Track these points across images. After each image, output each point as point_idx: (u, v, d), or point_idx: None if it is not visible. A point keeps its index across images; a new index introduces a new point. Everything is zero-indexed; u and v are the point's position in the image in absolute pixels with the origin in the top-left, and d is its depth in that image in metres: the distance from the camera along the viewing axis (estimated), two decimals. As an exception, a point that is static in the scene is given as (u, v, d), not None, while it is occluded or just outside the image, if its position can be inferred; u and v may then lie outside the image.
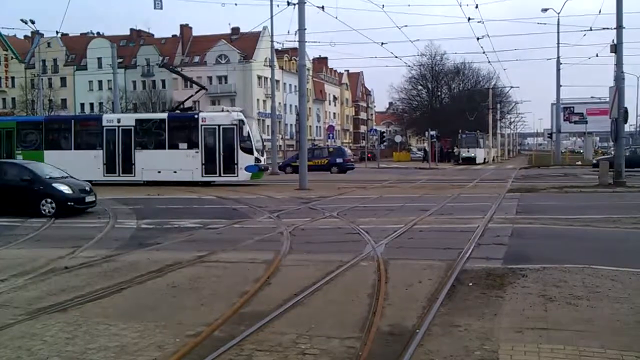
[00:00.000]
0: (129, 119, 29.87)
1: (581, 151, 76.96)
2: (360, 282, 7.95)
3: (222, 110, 28.78)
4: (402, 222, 13.89)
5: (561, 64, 43.93)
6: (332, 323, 6.18)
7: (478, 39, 32.40)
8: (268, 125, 66.09)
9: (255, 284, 7.84)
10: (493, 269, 8.48)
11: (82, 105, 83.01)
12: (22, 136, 29.82)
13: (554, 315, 6.28)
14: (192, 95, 33.10)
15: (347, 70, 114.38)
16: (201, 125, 27.39)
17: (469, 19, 29.66)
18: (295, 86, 72.24)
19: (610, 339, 5.51)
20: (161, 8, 35.19)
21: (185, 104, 33.21)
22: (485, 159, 62.36)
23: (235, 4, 68.96)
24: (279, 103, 67.04)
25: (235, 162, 27.05)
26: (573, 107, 69.70)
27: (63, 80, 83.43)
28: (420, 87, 77.88)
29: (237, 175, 27.11)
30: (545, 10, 42.64)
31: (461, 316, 6.27)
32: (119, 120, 29.05)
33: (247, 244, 11.59)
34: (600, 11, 53.56)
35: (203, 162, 27.39)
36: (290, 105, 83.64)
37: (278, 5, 37.92)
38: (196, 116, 28.10)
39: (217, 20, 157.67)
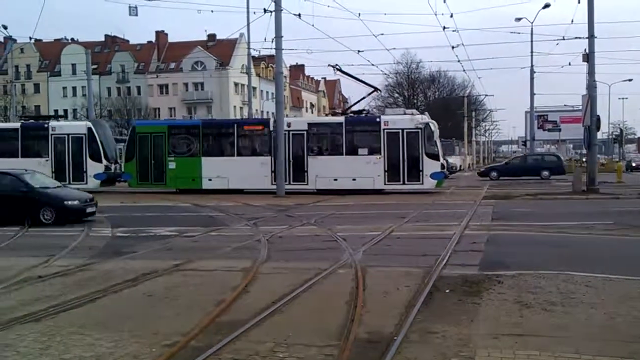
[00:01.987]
0: (300, 123, 27.91)
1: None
2: (338, 290, 7.95)
3: (404, 113, 26.87)
4: (380, 229, 13.93)
5: (535, 72, 44.53)
6: (310, 331, 6.17)
7: (453, 47, 32.66)
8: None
9: (233, 293, 7.79)
10: (469, 276, 8.54)
11: (56, 111, 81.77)
12: (174, 141, 27.82)
13: (530, 321, 6.34)
14: (364, 97, 31.15)
15: (324, 78, 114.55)
16: (383, 129, 25.45)
17: (444, 27, 29.91)
18: (272, 93, 72.20)
19: (584, 344, 5.58)
20: (136, 15, 34.88)
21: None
22: (460, 166, 62.87)
23: (212, 11, 69.10)
24: (256, 110, 66.89)
25: (420, 168, 25.16)
26: (547, 115, 70.65)
27: (36, 86, 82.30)
28: (396, 95, 78.32)
29: (422, 183, 25.17)
30: (519, 19, 43.23)
31: (438, 323, 6.30)
32: (288, 125, 26.59)
33: (224, 252, 11.52)
34: (572, 21, 54.34)
35: (386, 169, 25.48)
36: (267, 112, 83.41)
37: (255, 12, 37.79)
38: (378, 119, 26.48)
39: (193, 26, 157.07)
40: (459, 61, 51.69)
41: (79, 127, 29.25)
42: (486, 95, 66.81)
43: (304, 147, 26.34)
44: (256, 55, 49.25)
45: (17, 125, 30.52)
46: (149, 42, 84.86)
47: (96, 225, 15.99)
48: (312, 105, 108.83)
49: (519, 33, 42.26)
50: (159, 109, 79.43)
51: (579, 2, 26.25)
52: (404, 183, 25.45)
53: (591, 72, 25.04)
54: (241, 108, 78.63)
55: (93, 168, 27.86)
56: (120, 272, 9.45)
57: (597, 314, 6.59)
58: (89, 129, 28.28)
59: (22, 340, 5.97)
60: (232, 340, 5.83)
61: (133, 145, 28.18)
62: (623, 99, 78.80)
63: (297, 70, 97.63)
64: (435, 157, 25.20)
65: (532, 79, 44.63)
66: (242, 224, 16.03)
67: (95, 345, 5.81)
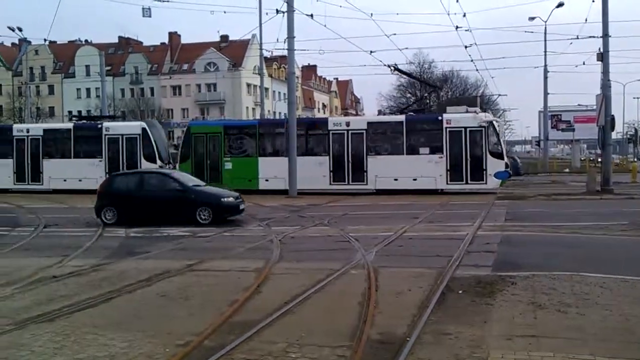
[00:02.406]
0: (359, 122, 27.41)
1: (569, 158, 77.37)
2: (351, 291, 7.94)
3: (467, 112, 26.14)
4: (392, 229, 13.90)
5: (548, 72, 44.31)
6: (322, 332, 6.17)
7: (466, 47, 32.41)
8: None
9: (245, 293, 7.81)
10: (483, 277, 8.50)
11: (70, 113, 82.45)
12: (230, 141, 27.52)
13: (544, 322, 6.30)
14: (424, 96, 29.17)
15: (336, 78, 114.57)
16: (445, 127, 24.92)
17: (457, 27, 29.69)
18: (284, 94, 72.26)
19: (599, 345, 5.54)
20: (150, 16, 35.10)
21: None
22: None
23: (224, 12, 69.46)
24: (268, 111, 66.91)
25: (484, 167, 24.59)
26: (560, 115, 70.02)
27: (51, 88, 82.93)
28: (408, 95, 78.11)
29: (486, 183, 24.59)
30: (532, 18, 43.00)
31: (451, 324, 6.28)
32: (347, 124, 26.48)
33: (237, 253, 11.56)
34: (586, 20, 54.05)
35: (448, 168, 24.95)
36: (280, 113, 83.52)
37: (267, 13, 37.97)
38: (439, 118, 25.71)
39: (206, 28, 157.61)
40: (471, 61, 51.33)
41: (134, 127, 29.14)
42: (499, 94, 66.16)
43: (363, 147, 25.85)
44: (268, 56, 49.46)
45: (70, 125, 30.38)
46: (162, 43, 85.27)
47: (109, 226, 16.05)
48: (324, 106, 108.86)
49: (532, 32, 42.22)
50: (172, 109, 79.83)
51: (593, 1, 26.07)
52: (466, 183, 24.94)
53: (605, 72, 24.83)
54: (253, 109, 78.79)
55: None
56: (134, 272, 9.51)
57: (611, 315, 6.53)
58: (144, 129, 28.15)
59: (37, 340, 6.02)
60: (245, 340, 5.85)
61: (188, 146, 27.85)
62: (638, 98, 78.10)
63: (309, 70, 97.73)
64: (499, 155, 24.80)
65: (545, 78, 44.41)
66: (254, 225, 16.05)
67: (109, 345, 5.84)
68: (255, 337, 5.98)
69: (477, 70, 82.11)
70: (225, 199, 16.51)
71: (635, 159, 58.66)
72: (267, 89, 66.36)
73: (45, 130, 30.37)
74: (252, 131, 27.67)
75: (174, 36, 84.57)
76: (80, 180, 27.79)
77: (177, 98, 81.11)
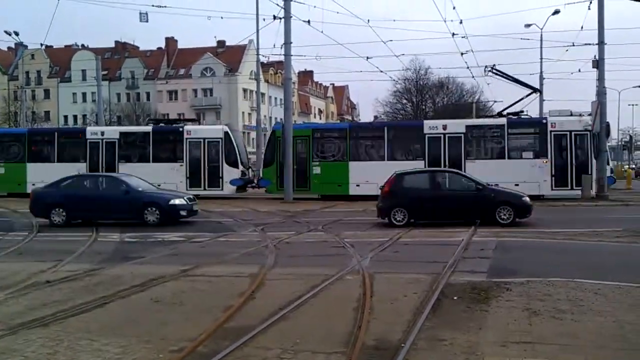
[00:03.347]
0: (457, 125, 26.28)
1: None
2: (346, 296, 7.92)
3: (571, 114, 25.17)
4: (387, 235, 13.91)
5: (544, 78, 44.34)
6: (317, 338, 6.15)
7: (462, 54, 32.55)
8: (253, 138, 66.11)
9: (240, 298, 7.79)
10: (478, 283, 8.50)
11: (66, 117, 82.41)
12: (319, 145, 26.87)
13: (539, 329, 6.29)
14: (522, 98, 28.62)
15: (333, 84, 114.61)
16: (550, 131, 24.42)
17: (454, 34, 29.80)
18: (280, 99, 72.31)
19: (594, 352, 5.54)
20: (147, 21, 35.05)
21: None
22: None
23: (222, 17, 69.63)
24: (265, 116, 67.04)
25: (589, 173, 24.06)
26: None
27: (47, 92, 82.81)
28: (405, 101, 78.17)
29: (591, 188, 23.81)
30: (528, 25, 43.07)
31: (446, 330, 6.26)
32: (444, 127, 25.72)
33: (232, 258, 11.53)
34: (582, 27, 53.88)
35: (553, 173, 24.37)
36: (276, 118, 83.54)
37: (264, 19, 37.70)
38: (544, 121, 25.06)
39: (202, 33, 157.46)
40: (468, 67, 51.32)
41: (216, 131, 28.48)
42: (495, 101, 66.18)
43: (461, 151, 25.24)
44: (265, 62, 49.42)
45: (148, 128, 29.82)
46: (159, 48, 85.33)
47: (104, 230, 16.00)
48: (320, 112, 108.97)
49: (528, 39, 42.22)
50: (168, 114, 79.61)
51: (589, 9, 26.26)
52: (572, 188, 24.30)
53: (601, 79, 24.97)
54: (249, 114, 78.89)
55: (229, 174, 27.13)
56: (128, 277, 9.47)
57: (606, 322, 6.53)
58: (226, 133, 27.59)
59: (30, 346, 5.98)
60: (240, 346, 5.82)
61: (273, 150, 27.11)
62: (633, 105, 78.35)
63: (306, 76, 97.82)
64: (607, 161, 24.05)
65: (541, 85, 44.40)
66: (249, 230, 16.03)
67: (103, 350, 5.81)
68: (250, 343, 5.95)
69: (473, 76, 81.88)
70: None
71: (633, 165, 58.83)
72: (263, 94, 66.33)
73: (121, 133, 29.67)
74: (343, 135, 26.84)
75: (170, 41, 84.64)
76: (159, 185, 27.00)
77: (173, 103, 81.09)
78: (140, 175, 26.89)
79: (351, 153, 26.37)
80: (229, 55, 76.78)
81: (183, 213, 17.50)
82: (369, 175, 24.67)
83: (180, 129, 28.55)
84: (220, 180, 27.34)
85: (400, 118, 78.20)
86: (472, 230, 14.51)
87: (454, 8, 33.93)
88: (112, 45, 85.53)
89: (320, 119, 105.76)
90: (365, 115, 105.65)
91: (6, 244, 13.84)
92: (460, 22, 37.65)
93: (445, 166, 24.69)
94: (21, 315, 7.20)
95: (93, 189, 18.37)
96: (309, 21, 26.90)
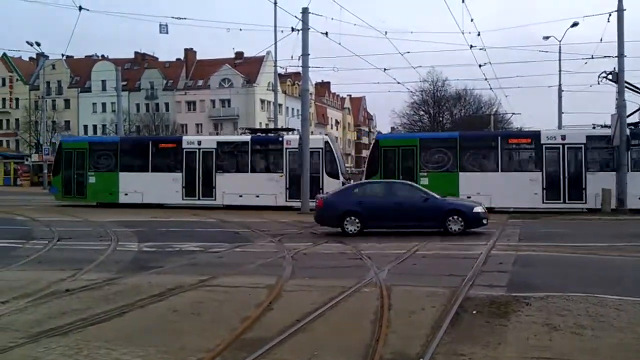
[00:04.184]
0: (576, 136, 25.04)
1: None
2: (363, 309, 7.89)
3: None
4: (405, 247, 13.85)
5: (563, 91, 44.02)
6: (334, 350, 6.13)
7: (480, 66, 32.47)
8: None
9: (257, 309, 7.79)
10: (497, 297, 8.42)
11: (85, 127, 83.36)
12: (427, 155, 25.85)
13: (559, 344, 6.22)
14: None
15: (350, 95, 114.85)
16: None
17: (472, 46, 29.75)
18: (297, 110, 72.62)
19: (616, 369, 5.46)
20: (167, 32, 35.43)
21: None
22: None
23: (240, 29, 69.99)
24: (281, 127, 67.20)
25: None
26: (575, 134, 69.51)
27: (67, 102, 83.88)
28: (422, 113, 78.10)
29: None
30: (546, 38, 43.01)
31: (465, 344, 6.21)
32: (562, 138, 24.85)
33: (249, 268, 11.55)
34: (601, 39, 53.66)
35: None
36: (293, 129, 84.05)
37: (282, 31, 38.14)
38: None
39: (221, 44, 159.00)
40: (486, 79, 51.28)
41: (316, 140, 27.33)
42: (513, 113, 65.85)
43: (581, 163, 24.43)
44: (282, 73, 49.64)
45: (247, 138, 28.69)
46: (178, 59, 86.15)
47: (123, 240, 16.12)
48: (337, 122, 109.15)
49: (547, 52, 41.97)
50: (186, 125, 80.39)
51: (608, 21, 26.00)
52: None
53: (621, 91, 24.73)
54: (267, 124, 79.12)
55: (329, 184, 25.97)
56: (147, 286, 9.52)
57: (627, 337, 6.44)
58: (326, 143, 26.86)
59: (49, 354, 6.03)
60: (257, 357, 5.82)
61: (377, 160, 26.30)
62: (653, 118, 77.48)
63: (323, 87, 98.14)
64: None
65: (560, 97, 44.16)
66: (266, 240, 16.06)
67: (122, 359, 5.83)
68: (267, 354, 5.95)
69: (491, 88, 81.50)
70: None
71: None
72: (280, 105, 66.64)
73: (219, 143, 28.98)
74: (452, 144, 25.96)
75: (189, 52, 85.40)
76: (257, 197, 26.71)
77: (191, 113, 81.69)
78: (239, 186, 26.88)
79: (460, 164, 25.50)
80: (247, 67, 77.34)
81: (484, 222, 16.99)
82: (480, 187, 24.10)
83: (280, 139, 27.75)
84: (321, 191, 25.69)
85: (418, 130, 78.08)
86: (491, 244, 14.40)
87: (471, 20, 33.97)
88: (132, 56, 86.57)
89: (337, 129, 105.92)
90: (383, 126, 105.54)
91: (26, 252, 13.98)
92: (478, 34, 37.47)
93: (564, 179, 24.21)
94: (41, 323, 7.26)
95: (388, 196, 17.51)
96: (326, 33, 27.02)
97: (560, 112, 45.04)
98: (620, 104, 24.42)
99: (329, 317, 7.57)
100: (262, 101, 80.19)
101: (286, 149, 27.18)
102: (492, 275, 10.45)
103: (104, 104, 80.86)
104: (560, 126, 46.98)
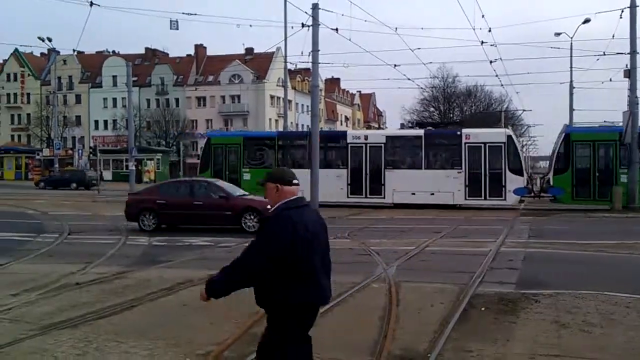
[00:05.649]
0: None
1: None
2: (371, 305, 7.90)
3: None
4: (414, 244, 13.84)
5: (574, 87, 43.73)
6: (342, 345, 6.14)
7: (491, 62, 32.27)
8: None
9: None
10: (506, 294, 8.40)
11: (97, 122, 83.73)
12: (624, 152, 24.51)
13: (568, 342, 6.20)
14: None
15: (360, 91, 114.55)
16: None
17: (482, 42, 29.55)
18: (307, 106, 72.52)
19: (625, 367, 5.44)
20: (177, 29, 35.41)
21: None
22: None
23: (250, 25, 69.99)
24: (291, 123, 67.32)
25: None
26: (586, 131, 69.08)
27: (78, 97, 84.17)
28: (432, 109, 77.90)
29: None
30: (558, 34, 42.58)
31: (474, 341, 6.21)
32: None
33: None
34: (613, 36, 53.35)
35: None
36: (302, 125, 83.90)
37: (292, 27, 37.85)
38: None
39: (231, 40, 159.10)
40: (496, 76, 50.84)
41: (498, 134, 26.10)
42: (524, 110, 65.48)
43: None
44: (292, 69, 49.61)
45: (420, 132, 27.25)
46: (188, 55, 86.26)
47: (133, 234, 16.19)
48: (346, 119, 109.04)
49: (558, 48, 41.69)
50: (196, 120, 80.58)
51: (620, 17, 25.84)
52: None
53: (633, 88, 24.58)
54: (276, 120, 79.18)
55: (512, 182, 24.75)
56: (156, 280, 9.57)
57: (637, 336, 6.41)
58: (509, 137, 25.37)
59: (60, 346, 6.08)
60: (265, 352, 5.83)
61: (567, 156, 24.95)
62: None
63: (333, 83, 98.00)
64: None
65: (571, 94, 43.89)
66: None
67: (131, 353, 5.87)
68: (275, 349, 5.96)
69: (502, 85, 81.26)
70: None
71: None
72: (290, 101, 66.67)
73: (388, 137, 27.54)
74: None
75: (199, 48, 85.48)
76: (432, 194, 25.41)
77: (201, 109, 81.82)
78: (412, 183, 25.35)
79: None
80: (257, 63, 77.41)
81: None
82: None
83: (459, 133, 26.23)
84: (503, 189, 24.94)
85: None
86: (500, 241, 14.36)
87: (482, 16, 33.51)
88: (143, 51, 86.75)
89: (347, 126, 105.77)
90: (392, 122, 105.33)
91: (37, 245, 14.09)
92: (489, 30, 37.11)
93: None
94: (51, 316, 7.32)
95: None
96: (337, 29, 26.94)
97: (571, 109, 44.78)
98: (632, 101, 24.25)
99: (338, 312, 7.56)
100: (272, 97, 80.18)
101: (465, 143, 25.56)
102: (501, 272, 10.44)
103: (114, 99, 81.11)
104: (571, 123, 46.79)
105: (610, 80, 35.93)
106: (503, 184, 24.89)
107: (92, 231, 17.15)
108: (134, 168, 39.02)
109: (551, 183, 25.44)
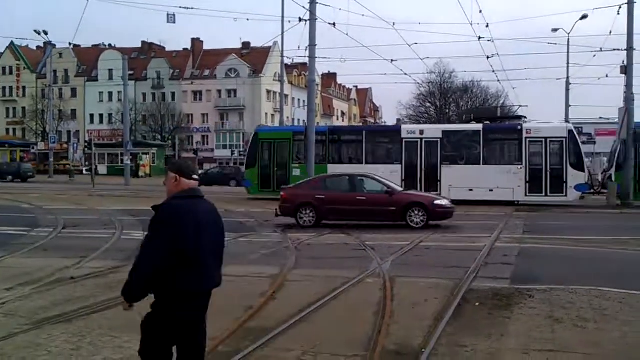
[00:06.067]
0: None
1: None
2: (366, 300, 7.91)
3: None
4: (409, 239, 13.85)
5: (570, 84, 43.85)
6: (337, 340, 6.14)
7: (488, 57, 32.34)
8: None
9: (261, 299, 7.82)
10: (500, 289, 8.42)
11: (92, 116, 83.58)
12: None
13: (561, 337, 6.22)
14: None
15: (356, 86, 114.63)
16: None
17: (480, 38, 29.60)
18: (304, 101, 72.47)
19: (618, 362, 5.45)
20: (174, 22, 35.38)
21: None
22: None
23: (247, 19, 69.96)
24: (287, 117, 67.15)
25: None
26: (582, 128, 69.12)
27: (73, 90, 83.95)
28: (428, 104, 77.93)
29: None
30: (555, 30, 42.67)
31: (468, 336, 6.22)
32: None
33: (253, 258, 11.57)
34: (610, 32, 53.43)
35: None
36: (299, 120, 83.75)
37: (289, 21, 38.00)
38: None
39: (228, 34, 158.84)
40: (493, 71, 50.96)
41: (559, 129, 25.23)
42: (520, 106, 65.63)
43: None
44: (289, 64, 49.54)
45: (479, 127, 26.20)
46: (185, 49, 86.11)
47: (128, 228, 16.17)
48: (343, 114, 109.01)
49: (555, 44, 41.70)
50: (192, 115, 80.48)
51: (618, 14, 25.86)
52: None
53: (629, 85, 24.63)
54: (272, 115, 79.19)
55: (574, 178, 24.04)
56: (151, 275, 9.52)
57: (631, 331, 6.43)
58: (570, 132, 24.59)
59: (54, 341, 6.06)
60: (260, 346, 5.84)
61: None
62: (661, 112, 77.01)
63: (329, 78, 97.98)
64: None
65: (567, 90, 44.00)
66: (270, 231, 16.07)
67: (125, 347, 5.86)
68: (270, 343, 5.97)
69: (498, 80, 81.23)
70: None
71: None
72: (286, 96, 66.57)
73: (444, 132, 26.65)
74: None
75: (196, 42, 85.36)
76: (491, 191, 24.59)
77: (197, 103, 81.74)
78: (470, 179, 24.56)
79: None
80: (254, 57, 77.36)
81: None
82: None
83: (519, 127, 25.43)
84: (565, 185, 24.25)
85: (424, 121, 77.81)
86: (495, 236, 14.39)
87: (480, 12, 33.77)
88: (139, 45, 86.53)
89: (343, 121, 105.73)
90: (389, 117, 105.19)
91: (31, 239, 14.04)
92: (487, 26, 37.35)
93: None
94: (45, 310, 7.30)
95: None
96: (334, 24, 26.98)
97: (567, 105, 44.89)
98: (629, 97, 24.30)
99: (332, 307, 7.58)
100: (269, 92, 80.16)
101: (526, 138, 24.80)
102: (495, 268, 10.46)
103: (110, 93, 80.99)
104: (567, 119, 46.87)
105: (607, 76, 36.02)
106: (564, 180, 24.29)
107: (87, 225, 17.09)
108: (129, 162, 38.94)
109: (613, 179, 25.35)
